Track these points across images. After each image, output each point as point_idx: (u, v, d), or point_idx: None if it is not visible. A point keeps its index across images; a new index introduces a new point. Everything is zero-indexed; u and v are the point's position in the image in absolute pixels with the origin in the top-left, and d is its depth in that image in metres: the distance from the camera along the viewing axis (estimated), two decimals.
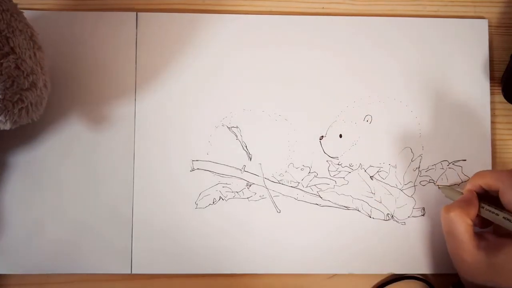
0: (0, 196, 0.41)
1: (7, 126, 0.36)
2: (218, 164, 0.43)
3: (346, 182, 0.43)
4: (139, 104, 0.43)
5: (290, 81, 0.43)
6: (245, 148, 0.43)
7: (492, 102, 0.44)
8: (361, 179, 0.43)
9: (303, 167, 0.43)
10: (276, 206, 0.42)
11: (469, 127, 0.43)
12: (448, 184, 0.43)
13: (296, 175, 0.43)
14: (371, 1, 0.45)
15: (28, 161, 0.42)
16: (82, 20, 0.43)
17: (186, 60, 0.43)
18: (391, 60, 0.44)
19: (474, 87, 0.44)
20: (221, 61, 0.43)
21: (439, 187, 0.42)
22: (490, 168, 0.43)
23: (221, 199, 0.42)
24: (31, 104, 0.36)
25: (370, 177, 0.43)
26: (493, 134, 0.43)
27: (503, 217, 0.36)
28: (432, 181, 0.43)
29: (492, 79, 0.44)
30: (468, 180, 0.41)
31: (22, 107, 0.35)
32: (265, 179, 0.43)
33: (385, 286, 0.42)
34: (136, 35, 0.43)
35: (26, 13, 0.37)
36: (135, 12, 0.43)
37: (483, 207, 0.38)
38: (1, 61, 0.33)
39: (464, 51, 0.44)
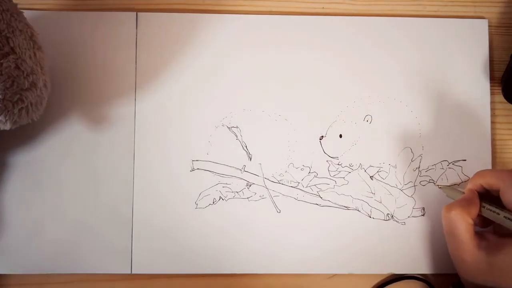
0: (0, 196, 0.41)
1: (7, 126, 0.36)
2: (218, 164, 0.42)
3: (346, 182, 0.43)
4: (139, 104, 0.43)
5: (290, 81, 0.43)
6: (245, 148, 0.43)
7: (492, 102, 0.44)
8: (361, 179, 0.43)
9: (303, 167, 0.43)
10: (276, 206, 0.42)
11: (469, 127, 0.43)
12: (448, 184, 0.43)
13: (296, 175, 0.43)
14: (371, 1, 0.45)
15: (28, 161, 0.42)
16: (82, 20, 0.43)
17: (186, 60, 0.43)
18: (391, 60, 0.44)
19: (474, 87, 0.44)
20: (221, 61, 0.43)
21: (439, 187, 0.42)
22: (490, 168, 0.43)
23: (221, 199, 0.42)
24: (31, 104, 0.36)
25: (370, 177, 0.43)
26: (493, 134, 0.43)
27: (504, 217, 0.36)
28: (432, 181, 0.43)
29: (492, 79, 0.44)
30: (468, 180, 0.41)
31: (22, 107, 0.35)
32: (265, 179, 0.43)
33: (385, 286, 0.42)
34: (136, 35, 0.43)
35: (26, 13, 0.37)
36: (135, 12, 0.43)
37: (484, 207, 0.38)
38: (1, 61, 0.33)
39: (464, 51, 0.44)
